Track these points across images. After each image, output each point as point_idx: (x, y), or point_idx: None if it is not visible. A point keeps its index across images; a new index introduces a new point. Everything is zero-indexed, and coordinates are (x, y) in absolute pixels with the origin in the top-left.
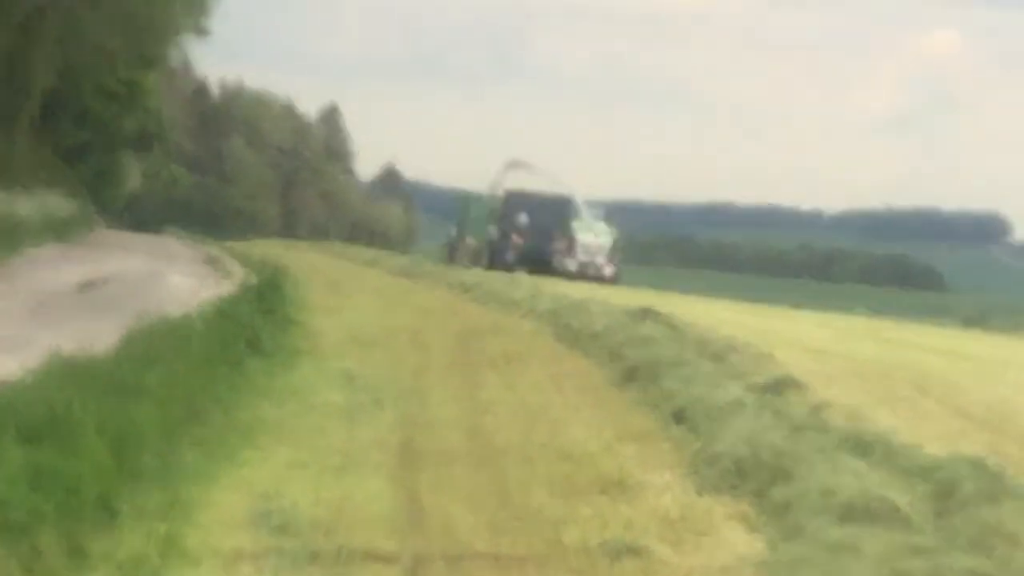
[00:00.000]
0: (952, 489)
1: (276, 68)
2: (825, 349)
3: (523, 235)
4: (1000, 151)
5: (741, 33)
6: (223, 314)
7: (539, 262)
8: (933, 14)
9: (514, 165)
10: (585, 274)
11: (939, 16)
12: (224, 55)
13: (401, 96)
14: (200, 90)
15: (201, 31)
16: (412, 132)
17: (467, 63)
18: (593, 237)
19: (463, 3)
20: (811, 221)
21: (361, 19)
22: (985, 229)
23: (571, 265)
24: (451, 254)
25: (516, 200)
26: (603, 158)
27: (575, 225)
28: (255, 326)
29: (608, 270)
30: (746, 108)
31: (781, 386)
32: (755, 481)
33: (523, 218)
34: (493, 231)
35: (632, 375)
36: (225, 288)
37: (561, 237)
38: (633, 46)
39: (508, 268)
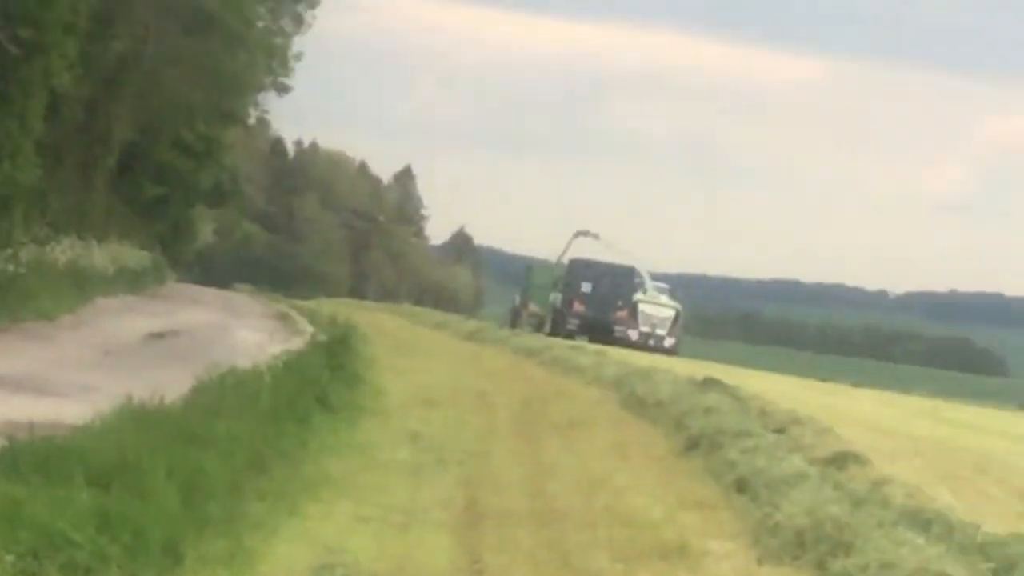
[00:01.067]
0: (1012, 567)
1: (351, 129)
2: (886, 427)
3: (586, 303)
4: None
5: (815, 112)
6: (292, 369)
7: (601, 331)
8: (1010, 98)
9: (581, 234)
10: (646, 344)
11: (1015, 100)
12: (300, 114)
13: (474, 161)
14: (276, 148)
15: (281, 88)
16: (484, 197)
17: (542, 130)
18: (656, 308)
19: (539, 69)
20: (876, 301)
21: (436, 84)
22: None
23: (633, 335)
24: (514, 320)
25: (580, 269)
26: (673, 230)
27: (638, 296)
28: (323, 382)
29: (669, 341)
30: (816, 186)
31: (842, 460)
32: (816, 552)
33: (586, 287)
34: (557, 298)
35: (695, 444)
36: (294, 344)
37: (623, 307)
38: (706, 119)
39: (570, 336)
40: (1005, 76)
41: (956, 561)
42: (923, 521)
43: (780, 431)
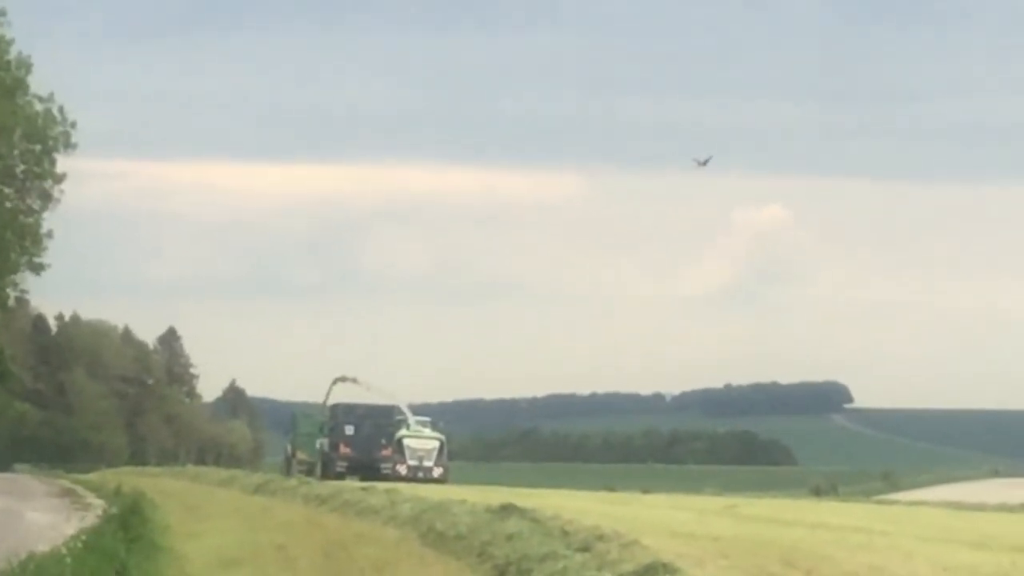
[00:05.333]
0: None
1: (110, 296)
2: (688, 531)
3: (351, 445)
4: (833, 320)
5: (569, 226)
6: (90, 547)
7: (369, 469)
8: (759, 189)
9: (340, 380)
10: (416, 477)
11: (765, 191)
12: (58, 289)
13: (238, 314)
14: (38, 325)
15: (36, 268)
16: (252, 349)
17: (300, 277)
18: (421, 442)
19: (289, 216)
20: (653, 404)
21: (188, 241)
22: (826, 398)
23: (402, 470)
24: (288, 467)
25: (342, 413)
26: (442, 359)
27: (402, 432)
28: (122, 556)
29: (437, 471)
30: (580, 298)
31: (653, 571)
32: None
33: (349, 429)
34: (324, 443)
35: (504, 573)
36: (88, 520)
37: (387, 445)
38: (463, 246)
39: (339, 477)
40: (750, 169)
41: None
42: None
43: (586, 549)
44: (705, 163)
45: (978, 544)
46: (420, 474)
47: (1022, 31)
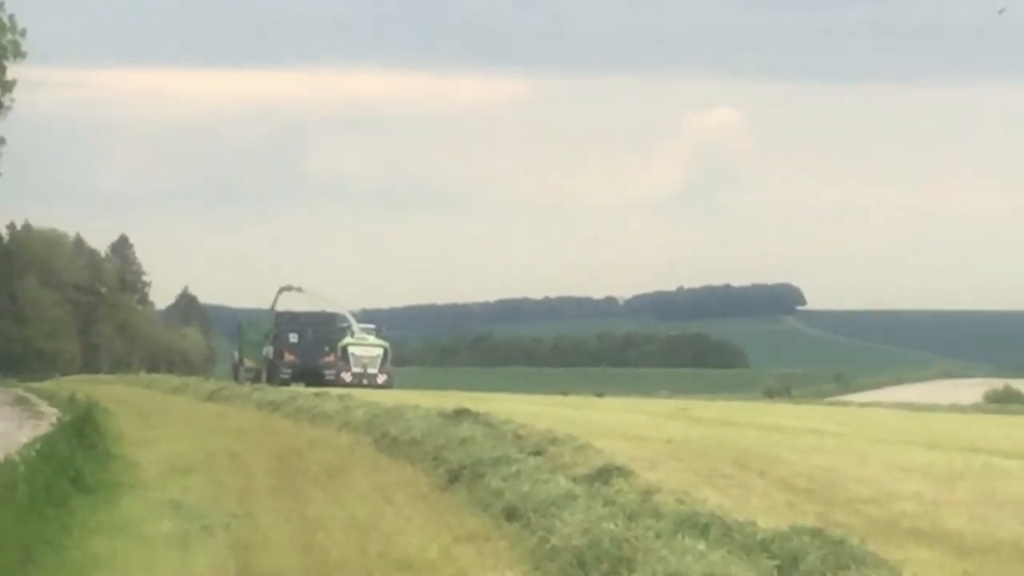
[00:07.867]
0: (797, 560)
1: (61, 205)
2: (641, 434)
3: (295, 353)
4: (785, 222)
5: (518, 132)
6: (43, 454)
7: (313, 376)
8: (707, 92)
9: (285, 289)
10: (360, 384)
11: (714, 94)
12: (7, 196)
13: (189, 222)
14: None
15: None
16: (203, 257)
17: (250, 183)
18: (364, 349)
19: (239, 124)
20: (606, 308)
21: (137, 149)
22: (779, 301)
23: (347, 377)
24: (235, 375)
25: (286, 321)
26: (393, 265)
27: (347, 340)
28: (76, 463)
29: (381, 378)
30: (531, 204)
31: (607, 474)
32: (598, 571)
33: (293, 337)
34: (269, 351)
35: (457, 477)
36: (41, 428)
37: (330, 352)
38: (411, 152)
39: (284, 383)
40: (699, 72)
41: (741, 562)
42: (700, 526)
43: (539, 453)
44: (1002, 12)
45: (931, 445)
46: (364, 381)
47: None
